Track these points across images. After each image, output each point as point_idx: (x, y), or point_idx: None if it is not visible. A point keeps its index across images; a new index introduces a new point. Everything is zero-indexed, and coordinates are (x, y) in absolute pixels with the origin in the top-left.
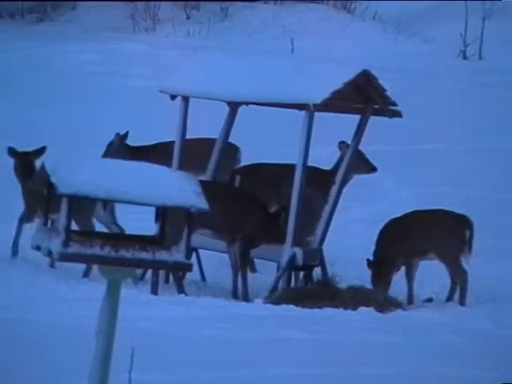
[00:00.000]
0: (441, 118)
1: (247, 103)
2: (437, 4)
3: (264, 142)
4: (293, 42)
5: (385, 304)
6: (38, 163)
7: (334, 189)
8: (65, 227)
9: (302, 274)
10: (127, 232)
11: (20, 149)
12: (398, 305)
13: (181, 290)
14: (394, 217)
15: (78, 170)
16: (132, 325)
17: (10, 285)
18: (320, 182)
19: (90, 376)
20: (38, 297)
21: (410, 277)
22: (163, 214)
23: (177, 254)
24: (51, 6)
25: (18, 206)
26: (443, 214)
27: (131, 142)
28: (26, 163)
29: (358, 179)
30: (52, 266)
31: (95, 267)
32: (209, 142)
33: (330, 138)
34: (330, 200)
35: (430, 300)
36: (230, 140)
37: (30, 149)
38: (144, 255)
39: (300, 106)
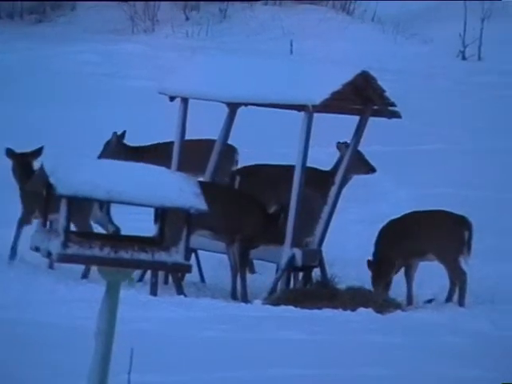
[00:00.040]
0: (440, 119)
1: (246, 104)
2: (436, 4)
3: (263, 142)
4: (292, 43)
5: (384, 305)
6: (36, 164)
7: (333, 189)
8: (64, 228)
9: (301, 274)
10: (126, 233)
11: (19, 150)
12: (397, 306)
13: (180, 291)
14: (392, 218)
15: (77, 170)
16: (131, 326)
17: (8, 286)
18: (319, 182)
19: (89, 377)
20: (37, 298)
21: (409, 278)
22: (162, 214)
23: (176, 255)
24: (50, 6)
25: (17, 207)
26: (442, 214)
27: (130, 142)
28: (24, 164)
29: (356, 180)
30: (51, 266)
31: (94, 268)
32: (208, 143)
33: (329, 139)
34: (329, 201)
35: (430, 301)
36: (229, 141)
37: (28, 150)
38: (143, 256)
39: (299, 107)
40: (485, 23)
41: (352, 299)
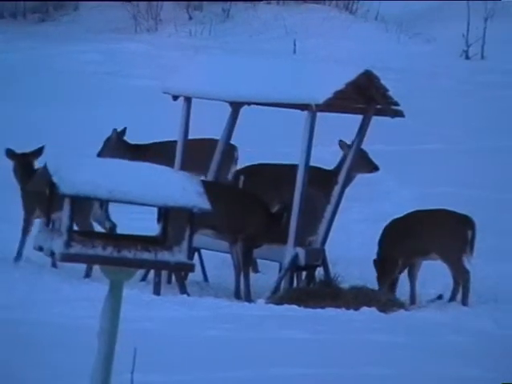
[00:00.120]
0: (443, 118)
1: (249, 103)
2: (439, 4)
3: (266, 142)
4: (295, 42)
5: (387, 304)
6: (37, 164)
7: (337, 189)
8: (67, 228)
9: (304, 274)
10: (129, 232)
11: (21, 149)
12: (400, 305)
13: (183, 290)
14: (396, 217)
15: (80, 170)
16: (134, 325)
17: (12, 285)
18: (322, 181)
19: (92, 376)
20: (41, 297)
21: (412, 277)
22: (165, 214)
23: (179, 255)
24: (53, 6)
25: (19, 207)
26: (445, 214)
27: (133, 142)
28: (24, 164)
29: (360, 179)
30: (54, 266)
31: (97, 267)
32: (211, 143)
33: (332, 138)
34: (333, 200)
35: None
36: (232, 140)
37: (29, 149)
38: (146, 256)
39: (302, 106)
40: (488, 23)
41: (355, 298)
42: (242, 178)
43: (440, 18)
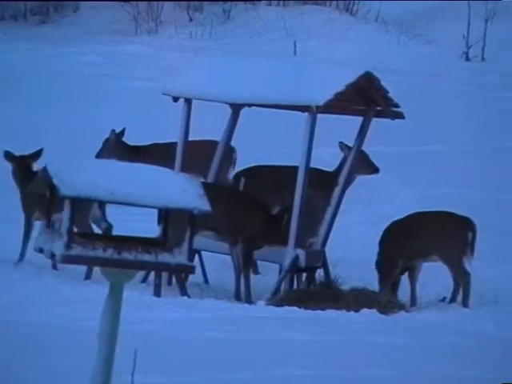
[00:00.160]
0: (443, 120)
1: (250, 105)
2: (439, 5)
3: (266, 143)
4: (295, 43)
5: (388, 306)
6: (35, 166)
7: (337, 190)
8: (67, 229)
9: (304, 275)
10: (129, 234)
11: (21, 150)
12: (400, 306)
13: (183, 292)
14: (396, 218)
15: (80, 171)
16: (135, 327)
17: (12, 286)
18: (323, 183)
19: (93, 378)
20: (41, 299)
21: (412, 278)
22: (166, 216)
23: (179, 256)
24: (53, 7)
25: (18, 207)
26: (446, 215)
27: (133, 143)
28: (23, 167)
29: (360, 180)
30: (54, 267)
31: (97, 269)
32: (211, 144)
33: (332, 140)
34: (333, 202)
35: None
36: (233, 142)
37: (29, 150)
38: (146, 257)
39: (302, 108)
40: (488, 24)
41: (355, 300)
42: (242, 179)
43: (440, 19)
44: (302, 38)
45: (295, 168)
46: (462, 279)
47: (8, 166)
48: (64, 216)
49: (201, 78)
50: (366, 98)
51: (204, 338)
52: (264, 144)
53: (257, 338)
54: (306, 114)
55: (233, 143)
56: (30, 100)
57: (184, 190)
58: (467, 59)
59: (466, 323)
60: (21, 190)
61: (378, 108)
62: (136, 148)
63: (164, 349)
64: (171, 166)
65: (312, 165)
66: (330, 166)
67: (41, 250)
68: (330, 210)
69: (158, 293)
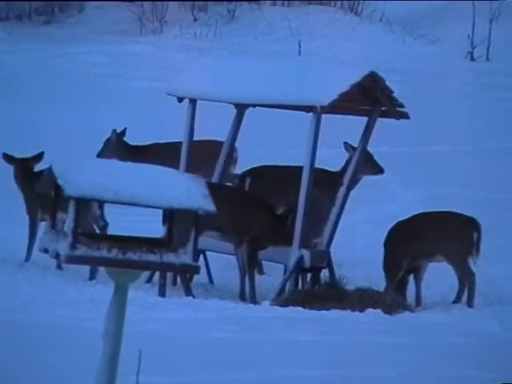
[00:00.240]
0: (448, 120)
1: (254, 105)
2: (444, 5)
3: (271, 144)
4: (300, 43)
5: (392, 306)
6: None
7: (342, 190)
8: (72, 229)
9: (309, 275)
10: (134, 234)
11: (25, 150)
12: (405, 306)
13: (188, 292)
14: (401, 219)
15: (85, 172)
16: (139, 327)
17: (17, 287)
18: (327, 183)
19: (97, 378)
20: (45, 299)
21: (417, 279)
22: (170, 216)
23: (184, 257)
24: (59, 7)
25: (19, 206)
26: (451, 215)
27: (137, 143)
28: (24, 169)
29: (365, 181)
30: (59, 267)
31: (102, 269)
32: (215, 144)
33: (337, 140)
34: (338, 202)
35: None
36: (237, 142)
37: (32, 152)
38: (151, 257)
39: (307, 108)
40: (493, 24)
41: (360, 300)
42: (248, 179)
43: (445, 19)
44: (307, 38)
45: (300, 168)
46: (466, 279)
47: (8, 166)
48: (69, 216)
49: (205, 78)
50: (370, 98)
51: (209, 338)
52: (269, 144)
53: (262, 338)
54: (311, 114)
55: (237, 143)
56: (35, 100)
57: (189, 191)
58: (472, 59)
59: (471, 323)
60: (23, 191)
61: (383, 108)
62: (137, 148)
63: (169, 349)
64: (172, 166)
65: (316, 165)
66: (334, 167)
67: (46, 251)
68: (334, 211)
69: (162, 293)
